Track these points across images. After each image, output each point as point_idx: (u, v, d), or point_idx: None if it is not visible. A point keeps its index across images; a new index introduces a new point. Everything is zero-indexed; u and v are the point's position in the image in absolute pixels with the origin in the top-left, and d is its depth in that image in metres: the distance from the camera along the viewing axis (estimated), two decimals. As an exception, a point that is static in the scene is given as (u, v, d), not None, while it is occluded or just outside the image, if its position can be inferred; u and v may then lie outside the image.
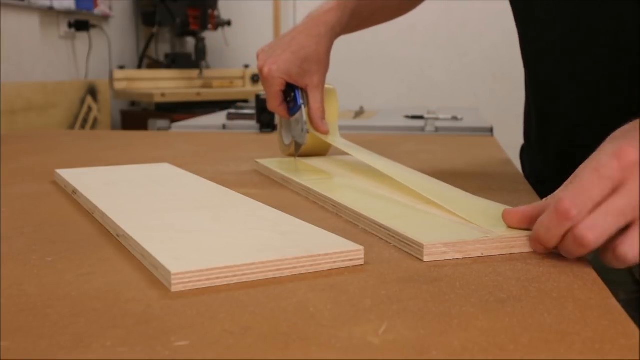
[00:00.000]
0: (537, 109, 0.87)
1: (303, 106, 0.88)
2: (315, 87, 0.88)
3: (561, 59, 0.77)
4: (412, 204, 0.62)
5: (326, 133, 0.88)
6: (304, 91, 0.88)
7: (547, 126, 0.85)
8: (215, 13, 3.19)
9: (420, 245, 0.49)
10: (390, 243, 0.53)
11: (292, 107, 0.89)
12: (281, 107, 0.89)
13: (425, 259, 0.48)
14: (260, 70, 0.87)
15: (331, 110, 0.91)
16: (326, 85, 0.93)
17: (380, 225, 0.55)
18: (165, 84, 3.10)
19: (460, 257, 0.49)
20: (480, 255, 0.49)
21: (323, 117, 0.88)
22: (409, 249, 0.50)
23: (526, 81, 0.89)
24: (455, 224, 0.55)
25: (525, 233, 0.51)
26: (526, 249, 0.51)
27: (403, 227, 0.53)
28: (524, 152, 0.97)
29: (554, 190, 0.49)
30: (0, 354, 0.32)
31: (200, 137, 1.28)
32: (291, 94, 0.89)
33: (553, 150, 0.85)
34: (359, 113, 2.00)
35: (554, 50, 0.71)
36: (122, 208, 0.60)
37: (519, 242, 0.51)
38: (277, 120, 1.05)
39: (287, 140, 0.94)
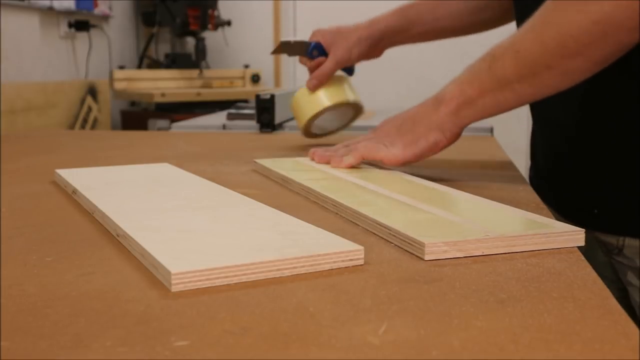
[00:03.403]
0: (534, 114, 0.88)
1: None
2: (333, 57, 1.01)
3: None
4: (412, 203, 0.62)
5: (312, 89, 1.01)
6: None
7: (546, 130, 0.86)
8: (215, 13, 3.19)
9: (422, 244, 0.49)
10: (390, 243, 0.53)
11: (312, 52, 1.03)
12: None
13: (427, 257, 0.48)
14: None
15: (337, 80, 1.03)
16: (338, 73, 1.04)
17: (381, 225, 0.55)
18: (165, 84, 3.10)
19: (462, 256, 0.49)
20: (481, 254, 0.49)
21: (320, 81, 1.00)
22: (410, 248, 0.50)
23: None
24: (456, 223, 0.55)
25: (526, 231, 0.51)
26: (527, 247, 0.51)
27: (404, 226, 0.53)
28: (533, 177, 0.92)
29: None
30: (0, 354, 0.32)
31: (200, 137, 1.27)
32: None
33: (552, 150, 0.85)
34: (359, 113, 1.99)
35: None
36: (122, 208, 0.60)
37: (519, 241, 0.51)
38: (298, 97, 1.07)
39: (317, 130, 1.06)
